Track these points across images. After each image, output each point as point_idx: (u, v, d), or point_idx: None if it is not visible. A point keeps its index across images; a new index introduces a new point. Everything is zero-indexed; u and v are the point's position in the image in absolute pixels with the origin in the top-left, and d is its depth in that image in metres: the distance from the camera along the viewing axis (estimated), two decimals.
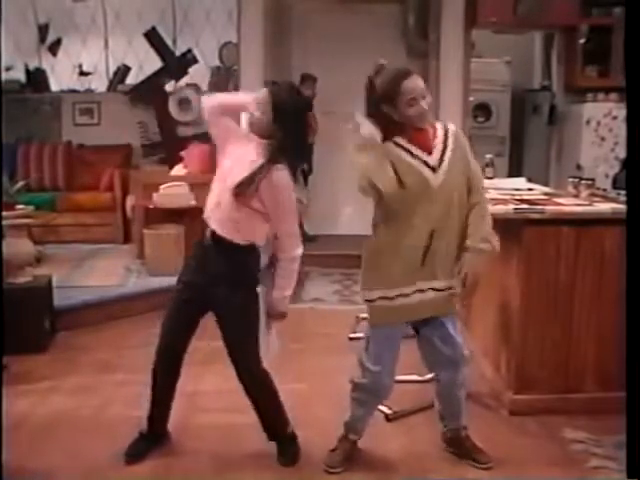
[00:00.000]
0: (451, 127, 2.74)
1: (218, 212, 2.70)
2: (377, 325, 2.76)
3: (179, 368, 2.94)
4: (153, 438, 2.99)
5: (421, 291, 2.69)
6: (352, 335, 4.30)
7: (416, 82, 2.60)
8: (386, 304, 2.70)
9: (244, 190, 2.60)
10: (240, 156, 2.68)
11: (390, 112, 2.61)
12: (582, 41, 6.80)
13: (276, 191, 2.63)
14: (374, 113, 2.64)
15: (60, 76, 7.93)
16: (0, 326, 3.53)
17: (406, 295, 2.68)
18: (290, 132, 2.65)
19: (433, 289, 2.70)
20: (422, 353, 2.85)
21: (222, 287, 2.72)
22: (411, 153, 2.63)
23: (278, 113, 2.64)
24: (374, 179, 2.58)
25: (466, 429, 2.95)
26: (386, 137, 2.64)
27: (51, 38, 7.83)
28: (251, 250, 2.74)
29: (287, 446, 2.92)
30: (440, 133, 2.70)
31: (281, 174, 2.63)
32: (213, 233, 2.72)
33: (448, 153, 2.66)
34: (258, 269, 2.77)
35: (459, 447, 2.95)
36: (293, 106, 2.68)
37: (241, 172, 2.63)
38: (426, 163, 2.62)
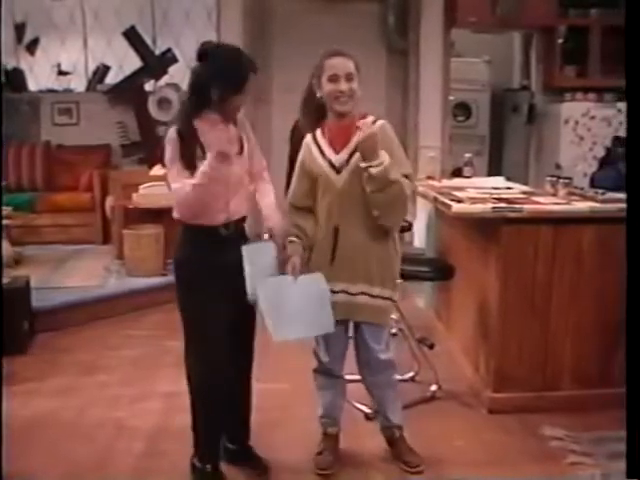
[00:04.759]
0: (379, 123, 2.65)
1: (233, 199, 2.60)
2: None
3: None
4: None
5: (333, 292, 2.66)
6: None
7: (342, 62, 2.59)
8: None
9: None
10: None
11: (317, 89, 2.63)
12: (560, 41, 6.88)
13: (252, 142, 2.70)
14: (306, 94, 2.69)
15: (38, 76, 7.86)
16: (0, 326, 3.49)
17: None
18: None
19: (346, 292, 2.68)
20: None
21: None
22: (322, 152, 2.67)
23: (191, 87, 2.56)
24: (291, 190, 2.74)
25: (401, 430, 2.93)
26: (314, 124, 2.70)
27: (28, 37, 7.76)
28: None
29: (257, 457, 2.87)
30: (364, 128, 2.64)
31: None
32: (227, 224, 2.59)
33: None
34: None
35: (394, 447, 2.94)
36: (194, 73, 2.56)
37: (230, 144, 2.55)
38: (331, 163, 2.64)
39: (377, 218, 2.61)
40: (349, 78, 2.58)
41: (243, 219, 2.68)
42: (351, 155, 2.62)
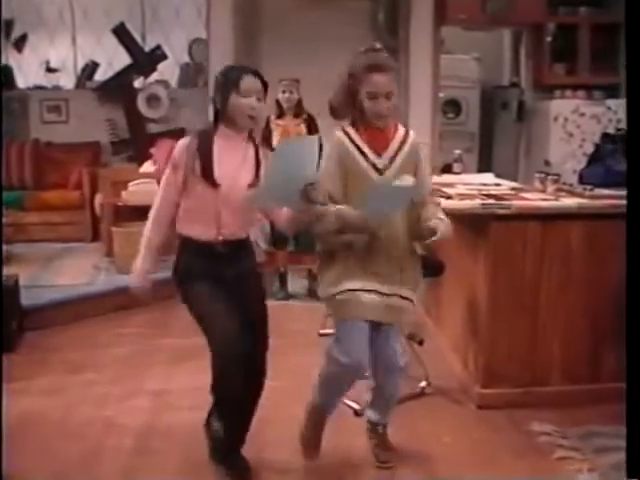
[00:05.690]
0: (412, 135, 2.72)
1: (231, 217, 2.58)
2: (340, 319, 2.71)
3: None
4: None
5: (367, 290, 2.64)
6: (322, 331, 4.30)
7: (383, 80, 2.56)
8: (344, 298, 2.65)
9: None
10: (228, 162, 2.58)
11: (355, 95, 2.60)
12: (549, 39, 6.90)
13: None
14: (342, 88, 2.64)
15: (27, 73, 7.83)
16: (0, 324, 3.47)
17: (353, 291, 2.64)
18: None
19: (379, 292, 2.65)
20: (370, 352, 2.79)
21: (247, 278, 2.67)
22: (361, 152, 2.63)
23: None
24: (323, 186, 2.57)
25: (385, 428, 2.94)
26: (345, 115, 2.68)
27: (16, 34, 7.72)
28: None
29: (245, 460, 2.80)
30: (399, 136, 2.68)
31: None
32: (220, 242, 2.59)
33: (400, 157, 2.65)
34: None
35: (372, 439, 2.93)
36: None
37: (243, 168, 2.58)
38: (374, 165, 2.63)
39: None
40: (388, 96, 2.57)
41: (243, 240, 2.68)
42: (392, 159, 2.64)
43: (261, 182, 2.48)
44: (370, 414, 2.98)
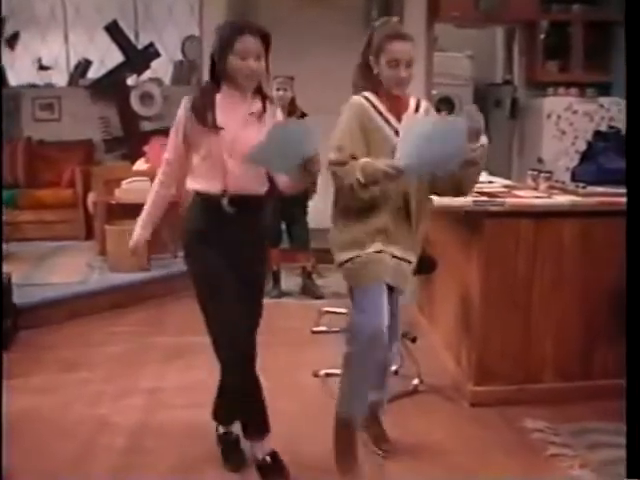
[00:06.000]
0: (424, 102, 2.76)
1: (237, 167, 2.47)
2: (361, 285, 2.65)
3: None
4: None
5: (388, 254, 2.62)
6: (315, 329, 4.32)
7: (404, 48, 2.59)
8: (366, 259, 2.61)
9: None
10: (232, 115, 2.51)
11: (374, 65, 2.63)
12: (542, 36, 6.93)
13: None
14: (362, 59, 2.67)
15: (19, 71, 7.80)
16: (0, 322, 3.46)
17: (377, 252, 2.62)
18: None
19: (397, 257, 2.64)
20: None
21: (252, 247, 2.61)
22: (383, 116, 2.64)
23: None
24: (342, 145, 2.57)
25: (384, 408, 2.93)
26: (364, 87, 2.67)
27: (8, 32, 7.69)
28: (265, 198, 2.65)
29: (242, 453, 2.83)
30: (412, 104, 2.72)
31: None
32: (226, 196, 2.50)
33: None
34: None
35: (371, 428, 2.92)
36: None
37: (248, 119, 2.51)
38: (397, 131, 2.58)
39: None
40: (409, 64, 2.60)
41: (253, 198, 2.57)
42: None
43: (259, 142, 2.35)
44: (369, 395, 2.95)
